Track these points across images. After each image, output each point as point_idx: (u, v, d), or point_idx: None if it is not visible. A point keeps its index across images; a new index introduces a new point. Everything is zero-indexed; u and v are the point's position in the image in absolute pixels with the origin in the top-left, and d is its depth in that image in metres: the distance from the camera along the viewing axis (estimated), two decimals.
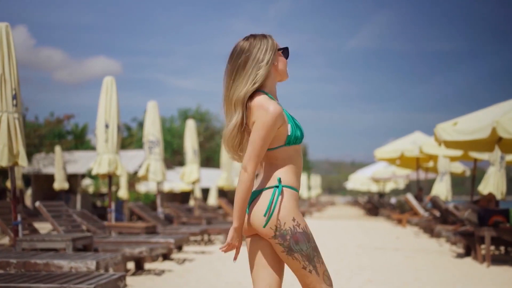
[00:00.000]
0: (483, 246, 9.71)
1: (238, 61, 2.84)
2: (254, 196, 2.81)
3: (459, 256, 10.08)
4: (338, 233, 15.43)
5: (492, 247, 10.70)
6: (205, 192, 28.59)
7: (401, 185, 36.63)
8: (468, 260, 9.51)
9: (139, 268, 8.09)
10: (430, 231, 14.95)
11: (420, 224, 16.19)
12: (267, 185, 2.80)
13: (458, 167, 20.75)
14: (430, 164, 21.01)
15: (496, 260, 9.29)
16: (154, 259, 9.11)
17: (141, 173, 12.49)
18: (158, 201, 12.87)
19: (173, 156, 37.78)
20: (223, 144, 2.90)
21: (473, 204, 10.07)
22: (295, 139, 2.83)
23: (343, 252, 10.65)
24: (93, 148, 38.93)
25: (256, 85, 2.82)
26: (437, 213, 15.68)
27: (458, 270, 8.31)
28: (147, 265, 8.58)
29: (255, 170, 2.77)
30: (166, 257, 9.27)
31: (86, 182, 27.37)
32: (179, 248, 10.68)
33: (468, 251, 10.00)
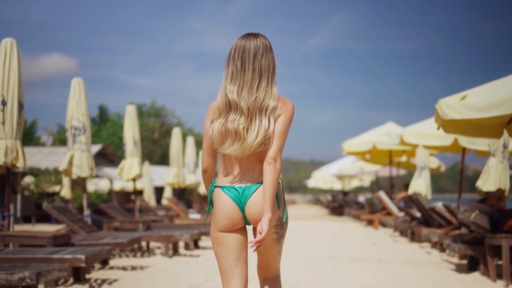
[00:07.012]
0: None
1: (269, 59, 2.89)
2: (254, 189, 2.87)
3: (461, 269, 7.94)
4: (304, 237, 13.22)
5: (495, 259, 8.49)
6: (160, 191, 26.69)
7: (366, 182, 34.68)
8: (477, 276, 7.36)
9: None
10: (411, 235, 12.88)
11: (397, 226, 14.11)
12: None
13: (434, 162, 18.75)
14: (403, 158, 19.05)
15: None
16: (58, 282, 6.68)
17: (62, 166, 10.03)
18: (84, 202, 10.38)
19: None
20: (248, 147, 2.82)
21: (481, 203, 7.91)
22: None
23: (314, 266, 8.39)
24: (42, 145, 36.75)
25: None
26: (417, 214, 13.70)
27: None
28: None
29: None
30: (78, 277, 6.85)
31: (28, 180, 24.67)
32: (104, 263, 8.28)
33: (473, 264, 7.86)
